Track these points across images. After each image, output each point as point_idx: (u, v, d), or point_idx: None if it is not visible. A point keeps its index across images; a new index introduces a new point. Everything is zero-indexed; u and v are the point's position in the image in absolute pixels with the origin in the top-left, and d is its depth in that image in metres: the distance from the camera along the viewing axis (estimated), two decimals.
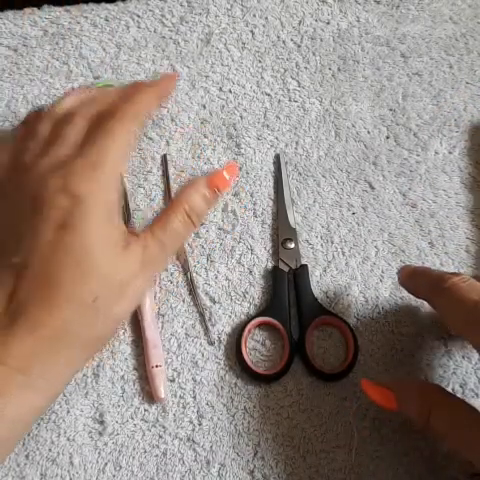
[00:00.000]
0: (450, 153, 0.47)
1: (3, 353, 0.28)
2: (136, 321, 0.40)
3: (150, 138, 0.46)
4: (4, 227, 0.32)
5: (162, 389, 0.38)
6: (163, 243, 0.33)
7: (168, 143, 0.46)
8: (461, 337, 0.39)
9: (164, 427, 0.38)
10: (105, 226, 0.31)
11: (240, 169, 0.46)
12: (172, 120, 0.47)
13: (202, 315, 0.41)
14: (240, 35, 0.51)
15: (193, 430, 0.38)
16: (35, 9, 0.50)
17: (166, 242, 0.34)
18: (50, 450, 0.37)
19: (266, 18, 0.51)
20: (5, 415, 0.28)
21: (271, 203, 0.45)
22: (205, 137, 0.47)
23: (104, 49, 0.49)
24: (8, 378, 0.28)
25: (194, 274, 0.42)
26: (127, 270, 0.32)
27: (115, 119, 0.35)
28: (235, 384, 0.39)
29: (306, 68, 0.50)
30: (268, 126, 0.47)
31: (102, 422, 0.38)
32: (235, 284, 0.42)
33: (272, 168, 0.46)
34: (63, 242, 0.29)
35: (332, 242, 0.44)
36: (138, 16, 0.51)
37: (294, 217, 0.44)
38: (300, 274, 0.42)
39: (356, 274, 0.43)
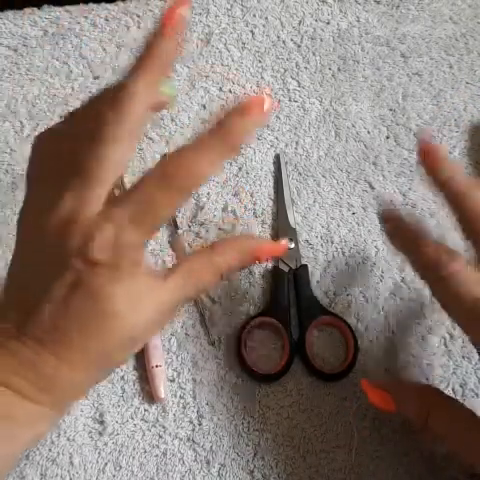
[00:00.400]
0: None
1: (29, 389, 0.28)
2: None
3: (150, 138, 0.46)
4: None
5: (162, 389, 0.38)
6: (187, 296, 0.31)
7: (168, 143, 0.46)
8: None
9: (164, 427, 0.38)
10: (124, 285, 0.28)
11: (240, 169, 0.46)
12: (172, 120, 0.47)
13: (202, 315, 0.41)
14: (240, 35, 0.51)
15: (193, 430, 0.38)
16: (35, 9, 0.50)
17: (190, 295, 0.31)
18: (50, 450, 0.37)
19: (266, 18, 0.51)
20: (16, 438, 0.28)
21: (271, 203, 0.45)
22: None
23: (104, 49, 0.49)
24: (36, 412, 0.28)
25: None
26: (145, 320, 0.29)
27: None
28: (235, 384, 0.39)
29: (306, 68, 0.50)
30: (268, 126, 0.47)
31: (102, 422, 0.38)
32: (235, 284, 0.42)
33: (272, 168, 0.46)
34: (74, 301, 0.27)
35: (332, 242, 0.44)
36: (138, 16, 0.51)
37: (294, 217, 0.44)
38: (300, 274, 0.42)
39: (356, 274, 0.43)
